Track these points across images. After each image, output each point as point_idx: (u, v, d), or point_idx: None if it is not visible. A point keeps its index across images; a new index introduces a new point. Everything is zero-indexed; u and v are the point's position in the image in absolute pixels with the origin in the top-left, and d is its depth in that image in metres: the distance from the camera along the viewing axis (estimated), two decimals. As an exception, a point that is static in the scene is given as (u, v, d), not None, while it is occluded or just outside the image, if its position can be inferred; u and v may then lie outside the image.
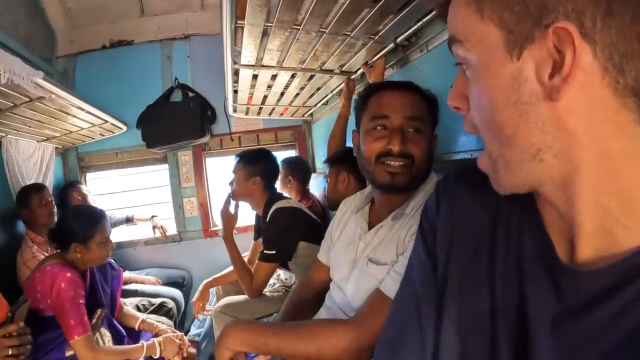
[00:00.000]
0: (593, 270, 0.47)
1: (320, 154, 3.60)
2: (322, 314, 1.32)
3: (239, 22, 1.41)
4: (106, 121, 2.91)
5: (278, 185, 2.99)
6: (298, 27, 1.46)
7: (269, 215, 2.23)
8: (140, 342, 1.92)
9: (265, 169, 2.33)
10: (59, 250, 1.90)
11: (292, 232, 2.18)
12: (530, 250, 0.55)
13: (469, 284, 0.61)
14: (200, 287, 2.49)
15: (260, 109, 3.14)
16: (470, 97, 0.53)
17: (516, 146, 0.49)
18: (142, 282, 3.15)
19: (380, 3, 1.28)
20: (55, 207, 2.67)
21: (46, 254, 2.30)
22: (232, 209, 2.32)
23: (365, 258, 1.17)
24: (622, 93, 0.42)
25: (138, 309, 2.58)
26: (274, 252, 2.12)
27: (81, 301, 1.74)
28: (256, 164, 2.32)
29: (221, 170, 3.82)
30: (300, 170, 3.17)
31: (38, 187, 2.63)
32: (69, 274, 1.73)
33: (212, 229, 3.78)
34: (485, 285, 0.58)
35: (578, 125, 0.44)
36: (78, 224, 1.86)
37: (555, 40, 0.42)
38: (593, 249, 0.48)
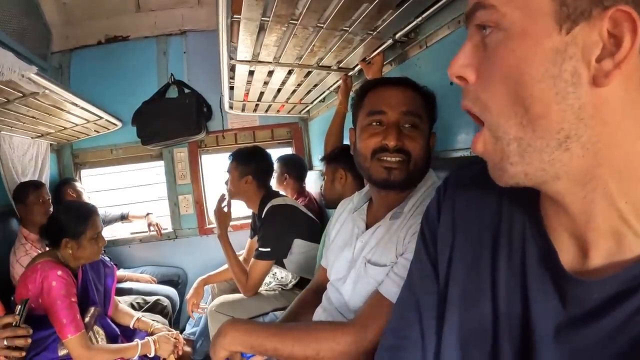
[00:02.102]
0: (599, 279, 0.46)
1: (316, 152, 3.58)
2: (319, 313, 1.31)
3: (235, 16, 1.39)
4: (101, 117, 2.88)
5: (274, 183, 3.00)
6: (295, 22, 1.44)
7: (264, 213, 2.23)
8: (135, 340, 1.91)
9: (257, 168, 2.34)
10: (50, 248, 1.89)
11: (287, 229, 2.20)
12: (533, 257, 0.54)
13: (471, 291, 0.60)
14: (195, 285, 2.48)
15: (257, 105, 3.12)
16: (488, 67, 0.47)
17: (542, 129, 0.44)
18: (137, 280, 3.14)
19: (379, -2, 1.26)
20: (52, 205, 2.65)
21: (40, 252, 2.28)
22: (225, 207, 2.31)
23: (363, 259, 1.15)
24: None
25: (133, 307, 2.57)
26: (269, 249, 2.13)
27: (73, 299, 1.72)
28: (248, 163, 2.33)
29: (217, 168, 3.80)
30: (296, 167, 3.18)
31: (36, 185, 2.63)
32: (59, 272, 1.71)
33: (208, 226, 3.77)
34: (488, 293, 0.57)
35: (613, 117, 0.42)
36: (69, 219, 1.85)
37: (610, 24, 0.40)
38: (605, 253, 0.47)
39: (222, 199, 2.33)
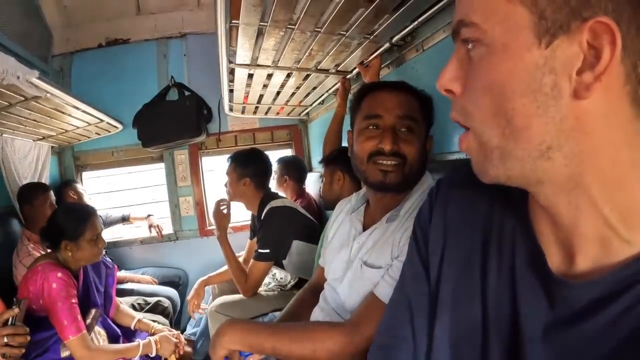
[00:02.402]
0: (586, 281, 0.47)
1: (316, 153, 3.60)
2: (316, 313, 1.33)
3: (233, 21, 1.41)
4: (102, 120, 2.90)
5: (274, 184, 3.01)
6: (293, 27, 1.46)
7: (263, 215, 2.25)
8: (136, 340, 1.92)
9: (254, 170, 2.37)
10: (51, 250, 1.90)
11: (286, 231, 2.22)
12: (522, 259, 0.54)
13: (462, 292, 0.61)
14: (196, 285, 2.49)
15: (256, 108, 3.14)
16: (473, 80, 0.48)
17: (524, 140, 0.45)
18: (138, 281, 3.16)
19: (375, 3, 1.28)
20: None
21: (42, 253, 2.29)
22: (224, 209, 2.32)
23: (359, 260, 1.17)
24: (638, 103, 0.42)
25: (134, 308, 2.58)
26: (267, 250, 2.15)
27: (73, 301, 1.73)
28: (246, 165, 2.36)
29: (217, 169, 3.82)
30: (296, 169, 3.18)
31: (45, 187, 2.67)
32: (59, 274, 1.72)
33: (208, 228, 3.78)
34: (478, 294, 0.58)
35: (595, 127, 0.43)
36: (67, 221, 1.86)
37: (590, 36, 0.40)
38: (591, 257, 0.48)
39: (220, 201, 2.35)
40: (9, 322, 1.47)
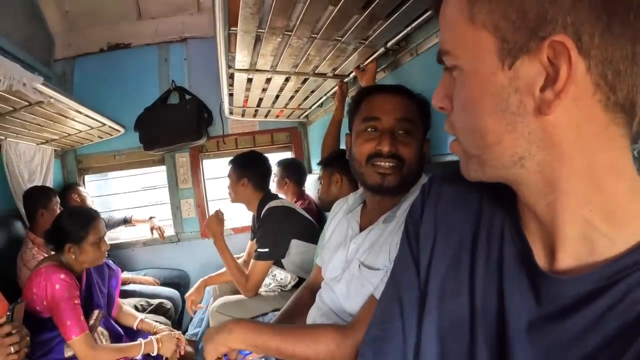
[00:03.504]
0: (572, 277, 0.48)
1: (316, 156, 3.60)
2: (312, 313, 1.34)
3: (231, 28, 1.43)
4: (104, 124, 2.93)
5: (274, 187, 3.04)
6: (290, 33, 1.49)
7: (262, 215, 2.28)
8: (138, 339, 1.94)
9: (253, 171, 2.42)
10: (55, 252, 1.92)
11: (283, 229, 2.26)
12: (510, 255, 0.56)
13: (450, 286, 0.62)
14: (197, 284, 2.51)
15: (256, 111, 3.16)
16: (455, 99, 0.53)
17: (497, 153, 0.49)
18: (140, 283, 3.17)
19: (369, 10, 1.30)
20: None
21: (46, 255, 2.32)
22: (215, 217, 2.31)
23: (357, 261, 1.17)
24: (612, 109, 0.43)
25: (136, 309, 2.59)
26: (267, 249, 2.19)
27: (76, 301, 1.75)
28: (244, 167, 2.42)
29: (218, 172, 3.84)
30: (296, 171, 3.20)
31: (54, 191, 2.72)
32: (62, 276, 1.75)
33: (209, 230, 3.79)
34: (466, 288, 0.59)
35: (565, 138, 0.44)
36: (71, 224, 1.88)
37: (550, 54, 0.42)
38: (573, 257, 0.49)
39: (211, 213, 2.36)
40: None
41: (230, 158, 2.52)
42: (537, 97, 0.44)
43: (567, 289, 0.48)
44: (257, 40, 1.56)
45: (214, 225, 2.26)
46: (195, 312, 2.52)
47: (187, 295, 2.50)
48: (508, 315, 0.53)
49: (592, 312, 0.45)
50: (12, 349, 1.43)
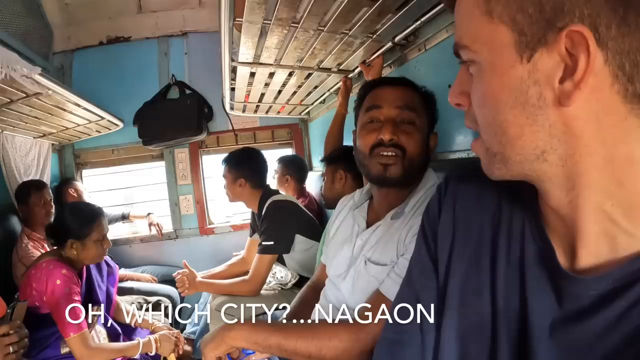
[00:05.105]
0: (594, 276, 0.47)
1: (317, 152, 3.60)
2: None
3: (237, 19, 1.41)
4: (103, 118, 2.90)
5: (275, 183, 3.01)
6: (296, 25, 1.46)
7: (264, 209, 2.24)
8: (136, 339, 1.92)
9: (249, 170, 2.37)
10: (55, 247, 1.90)
11: (289, 223, 2.23)
12: (532, 254, 0.55)
13: (470, 287, 0.61)
14: (195, 275, 2.42)
15: (257, 106, 3.13)
16: (473, 95, 0.52)
17: (519, 147, 0.48)
18: (138, 280, 3.15)
19: (379, 2, 1.28)
20: (53, 205, 2.67)
21: (42, 251, 2.29)
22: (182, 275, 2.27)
23: (363, 257, 1.16)
24: (630, 100, 0.42)
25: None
26: (272, 242, 2.15)
27: (76, 298, 1.74)
28: (239, 167, 2.36)
29: (218, 168, 3.81)
30: (297, 168, 3.19)
31: (38, 186, 2.64)
32: (64, 271, 1.73)
33: (208, 226, 3.78)
34: (487, 289, 0.59)
35: (585, 130, 0.44)
36: (75, 220, 1.86)
37: (568, 44, 0.42)
38: (594, 254, 0.48)
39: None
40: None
41: (223, 158, 2.46)
42: (557, 89, 0.44)
43: (588, 288, 0.48)
44: (262, 32, 1.53)
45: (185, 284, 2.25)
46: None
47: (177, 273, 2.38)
48: (530, 315, 0.53)
49: (613, 311, 0.45)
50: (10, 349, 1.40)
